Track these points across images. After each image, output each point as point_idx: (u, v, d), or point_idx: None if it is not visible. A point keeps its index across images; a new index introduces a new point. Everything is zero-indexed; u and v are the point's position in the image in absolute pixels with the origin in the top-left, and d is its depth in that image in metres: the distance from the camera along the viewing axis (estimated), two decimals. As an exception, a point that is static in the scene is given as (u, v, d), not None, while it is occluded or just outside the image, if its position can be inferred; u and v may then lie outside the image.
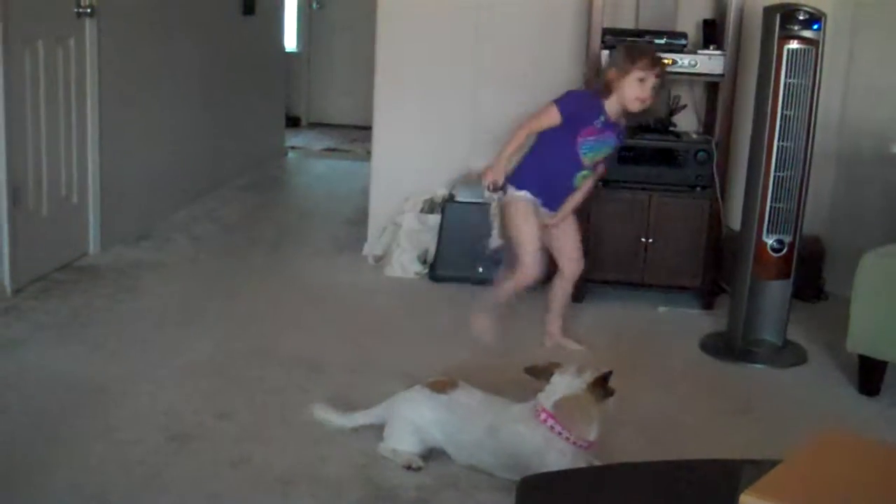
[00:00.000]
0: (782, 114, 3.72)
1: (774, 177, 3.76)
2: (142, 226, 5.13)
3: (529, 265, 3.73)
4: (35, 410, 3.08)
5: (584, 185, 3.79)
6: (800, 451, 1.61)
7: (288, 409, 3.17)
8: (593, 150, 3.68)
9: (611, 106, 3.64)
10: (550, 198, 3.76)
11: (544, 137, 3.70)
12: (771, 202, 3.78)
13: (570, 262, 3.89)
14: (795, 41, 3.68)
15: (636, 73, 3.57)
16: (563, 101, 3.66)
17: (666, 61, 3.85)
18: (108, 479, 2.70)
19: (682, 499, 1.70)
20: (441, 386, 2.97)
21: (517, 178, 3.74)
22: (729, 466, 1.81)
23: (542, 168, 3.73)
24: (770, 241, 3.81)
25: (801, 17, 3.67)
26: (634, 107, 3.62)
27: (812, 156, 3.78)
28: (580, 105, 3.67)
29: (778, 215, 3.79)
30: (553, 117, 3.63)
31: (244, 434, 3.00)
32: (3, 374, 3.35)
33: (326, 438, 2.97)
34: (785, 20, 3.68)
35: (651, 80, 3.59)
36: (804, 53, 3.67)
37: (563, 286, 3.93)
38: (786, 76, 3.69)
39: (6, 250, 4.00)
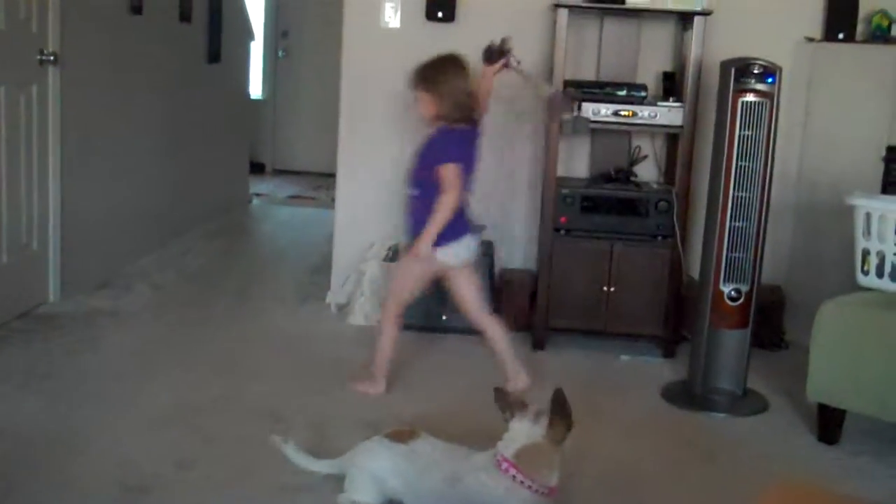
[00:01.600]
0: (737, 165, 3.78)
1: (730, 227, 3.82)
2: (103, 273, 5.09)
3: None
4: (-10, 462, 3.04)
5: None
6: (760, 501, 1.62)
7: (250, 460, 3.14)
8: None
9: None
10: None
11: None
12: (727, 252, 3.83)
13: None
14: (750, 94, 3.75)
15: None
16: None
17: (625, 113, 3.89)
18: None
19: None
20: (401, 436, 2.95)
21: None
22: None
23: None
24: (727, 290, 3.85)
25: (755, 71, 3.75)
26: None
27: (768, 206, 3.84)
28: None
29: (734, 265, 3.83)
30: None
31: (205, 484, 2.97)
32: (-42, 425, 3.30)
33: (288, 489, 2.95)
34: (739, 74, 3.76)
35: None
36: (758, 106, 3.75)
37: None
38: (740, 128, 3.76)
39: (-37, 298, 3.97)
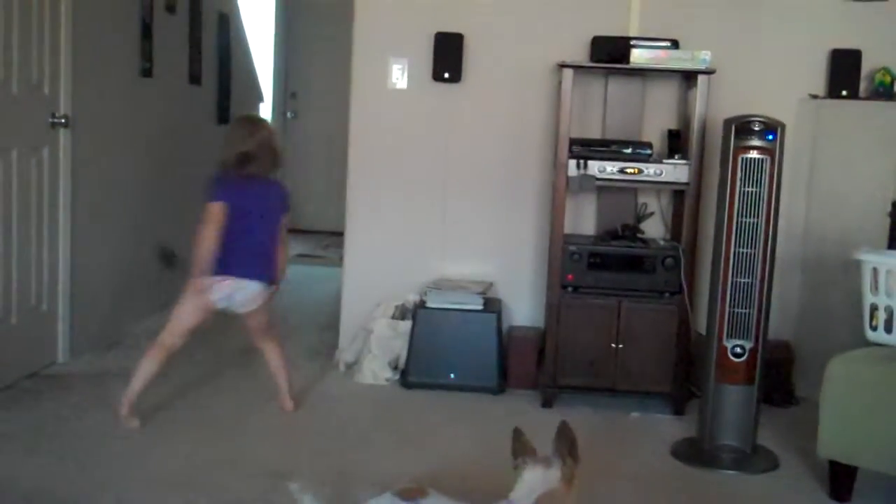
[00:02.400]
0: (739, 221, 3.80)
1: (733, 283, 3.82)
2: (112, 334, 5.11)
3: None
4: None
5: None
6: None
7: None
8: None
9: None
10: None
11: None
12: (730, 307, 3.83)
13: None
14: (751, 151, 3.78)
15: None
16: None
17: (631, 170, 3.92)
18: None
19: None
20: (410, 493, 2.93)
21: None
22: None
23: None
24: (731, 346, 3.84)
25: (755, 128, 3.78)
26: None
27: (773, 262, 3.83)
28: None
29: (738, 321, 3.83)
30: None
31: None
32: (-34, 486, 3.29)
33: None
34: (740, 131, 3.79)
35: None
36: (759, 163, 3.77)
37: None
38: (742, 185, 3.78)
39: (-28, 359, 3.98)
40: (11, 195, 4.20)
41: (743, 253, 3.80)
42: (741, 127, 3.79)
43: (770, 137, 3.77)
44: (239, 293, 3.96)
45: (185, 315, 3.98)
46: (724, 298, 3.84)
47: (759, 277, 3.80)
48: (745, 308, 3.81)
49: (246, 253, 3.93)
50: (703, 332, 4.28)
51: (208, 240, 3.87)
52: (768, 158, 3.77)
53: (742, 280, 3.81)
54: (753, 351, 3.83)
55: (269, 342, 4.21)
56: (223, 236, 3.88)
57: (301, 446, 3.82)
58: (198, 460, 3.61)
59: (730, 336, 3.84)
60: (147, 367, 3.93)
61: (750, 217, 3.78)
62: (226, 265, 3.89)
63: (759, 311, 3.81)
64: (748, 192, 3.78)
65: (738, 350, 3.83)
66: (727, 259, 3.82)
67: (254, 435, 3.93)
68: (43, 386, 4.31)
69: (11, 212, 4.21)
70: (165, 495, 3.30)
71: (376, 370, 4.64)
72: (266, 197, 4.03)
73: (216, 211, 3.90)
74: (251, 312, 4.06)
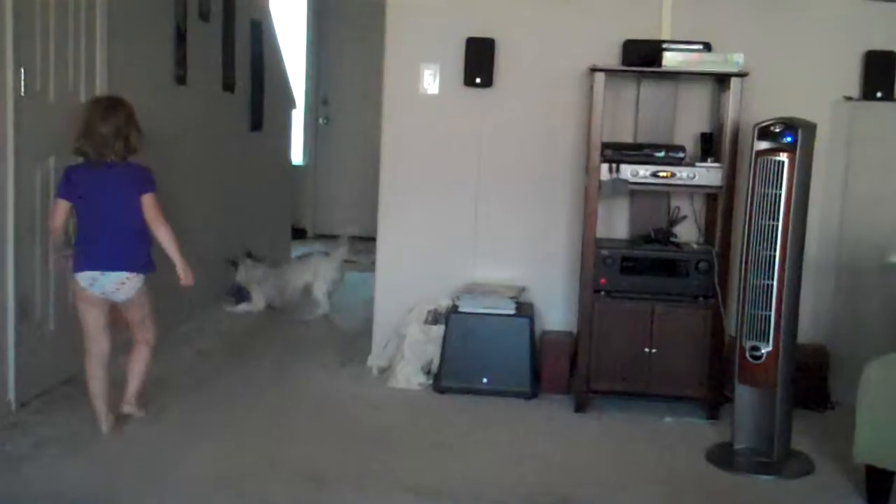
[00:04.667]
0: (757, 223, 3.80)
1: (751, 284, 3.81)
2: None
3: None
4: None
5: None
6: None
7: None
8: None
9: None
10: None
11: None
12: (749, 309, 3.83)
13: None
14: (769, 153, 3.78)
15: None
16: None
17: (664, 174, 3.91)
18: None
19: None
20: None
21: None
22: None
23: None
24: (748, 347, 3.83)
25: (775, 130, 3.78)
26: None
27: (796, 264, 3.80)
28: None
29: (755, 322, 3.81)
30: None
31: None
32: (8, 490, 3.33)
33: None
34: (761, 134, 3.81)
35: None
36: (776, 164, 3.76)
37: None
38: (760, 186, 3.79)
39: (12, 364, 4.03)
40: (49, 201, 4.24)
41: (762, 255, 3.79)
42: (762, 130, 3.81)
43: (789, 139, 3.76)
44: (104, 282, 3.85)
45: (83, 314, 3.93)
46: (745, 299, 3.84)
47: (777, 279, 3.77)
48: (764, 310, 3.79)
49: (103, 244, 3.85)
50: (737, 336, 4.28)
51: (51, 235, 3.94)
52: (787, 160, 3.75)
53: (761, 282, 3.79)
54: (772, 354, 3.80)
55: (138, 341, 4.07)
56: (79, 230, 3.88)
57: (335, 450, 3.84)
58: (234, 463, 3.64)
59: (748, 338, 3.83)
60: (92, 375, 3.94)
61: (768, 219, 3.77)
62: (87, 258, 3.84)
63: (779, 313, 3.78)
64: (766, 193, 3.78)
65: (756, 352, 3.81)
66: (746, 260, 3.83)
67: (289, 439, 3.95)
68: (80, 391, 4.34)
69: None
70: (202, 498, 3.32)
71: (409, 375, 4.65)
72: (120, 183, 3.88)
73: (55, 208, 3.87)
74: (127, 304, 3.96)
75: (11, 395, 4.03)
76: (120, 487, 3.38)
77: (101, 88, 4.57)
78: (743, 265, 3.87)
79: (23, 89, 3.99)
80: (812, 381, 4.48)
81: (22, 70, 3.98)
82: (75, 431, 3.88)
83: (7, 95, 3.91)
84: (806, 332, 4.51)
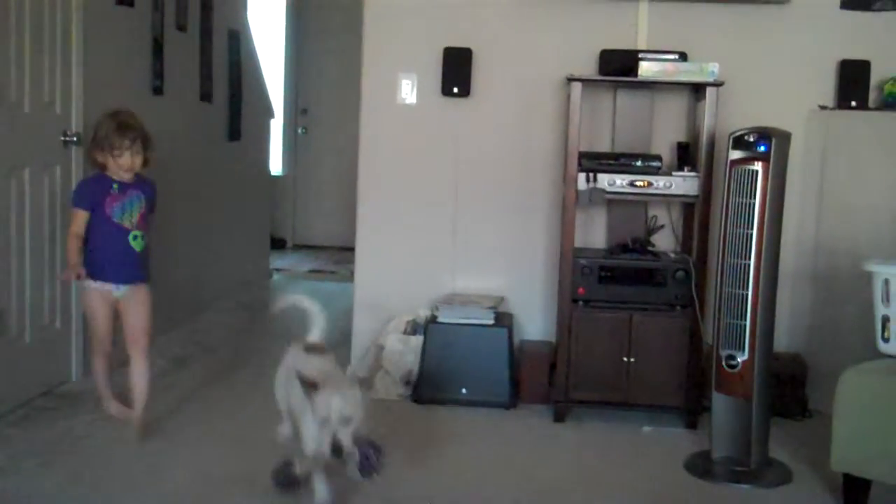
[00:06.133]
0: (732, 231, 3.82)
1: (726, 293, 3.84)
2: (125, 351, 5.10)
3: (99, 345, 4.07)
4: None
5: (144, 244, 4.00)
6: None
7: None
8: (126, 211, 3.93)
9: (116, 174, 3.92)
10: (115, 273, 3.96)
11: (90, 227, 3.92)
12: (724, 318, 3.85)
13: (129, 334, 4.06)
14: (743, 162, 3.81)
15: (110, 155, 3.89)
16: (77, 195, 4.01)
17: (641, 183, 3.97)
18: None
19: None
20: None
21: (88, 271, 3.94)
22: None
23: (94, 253, 3.93)
24: (724, 356, 3.85)
25: (749, 139, 3.81)
26: (126, 177, 3.94)
27: (770, 274, 3.81)
28: (90, 187, 3.98)
29: (731, 331, 3.83)
30: (80, 215, 3.91)
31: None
32: (-19, 504, 3.31)
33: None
34: (735, 143, 3.84)
35: (125, 154, 3.88)
36: (750, 174, 3.78)
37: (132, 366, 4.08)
38: (736, 195, 3.82)
39: (-13, 377, 4.00)
40: (25, 213, 4.23)
41: (737, 264, 3.81)
42: (736, 140, 3.84)
43: (762, 148, 3.78)
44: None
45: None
46: (719, 309, 3.87)
47: (752, 288, 3.79)
48: (739, 319, 3.81)
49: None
50: (715, 344, 4.29)
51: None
52: (761, 169, 3.77)
53: (735, 291, 3.81)
54: (748, 362, 3.82)
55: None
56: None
57: (313, 462, 3.82)
58: (210, 476, 3.62)
59: (724, 347, 3.85)
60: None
61: (742, 228, 3.79)
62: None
63: (754, 322, 3.80)
64: (740, 202, 3.80)
65: (731, 361, 3.83)
66: (721, 270, 3.86)
67: (268, 449, 3.92)
68: (57, 404, 4.33)
69: (25, 229, 4.24)
70: None
71: (388, 386, 4.64)
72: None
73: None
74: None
75: (-14, 409, 4.01)
76: (97, 500, 3.35)
77: (76, 99, 4.56)
78: (718, 274, 3.90)
79: (-3, 100, 3.97)
80: (789, 390, 4.50)
81: (-4, 80, 3.96)
82: (51, 444, 3.85)
83: (-19, 107, 3.89)
84: (783, 341, 4.53)
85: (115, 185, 3.92)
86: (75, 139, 4.53)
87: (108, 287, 3.97)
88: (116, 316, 4.04)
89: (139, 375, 4.04)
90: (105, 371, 4.14)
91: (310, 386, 3.02)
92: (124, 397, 4.12)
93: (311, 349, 3.44)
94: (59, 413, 4.21)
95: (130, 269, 3.98)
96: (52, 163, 4.43)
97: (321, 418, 2.98)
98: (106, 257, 3.94)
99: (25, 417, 4.14)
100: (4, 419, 4.08)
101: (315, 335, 3.66)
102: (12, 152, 4.12)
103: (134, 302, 4.01)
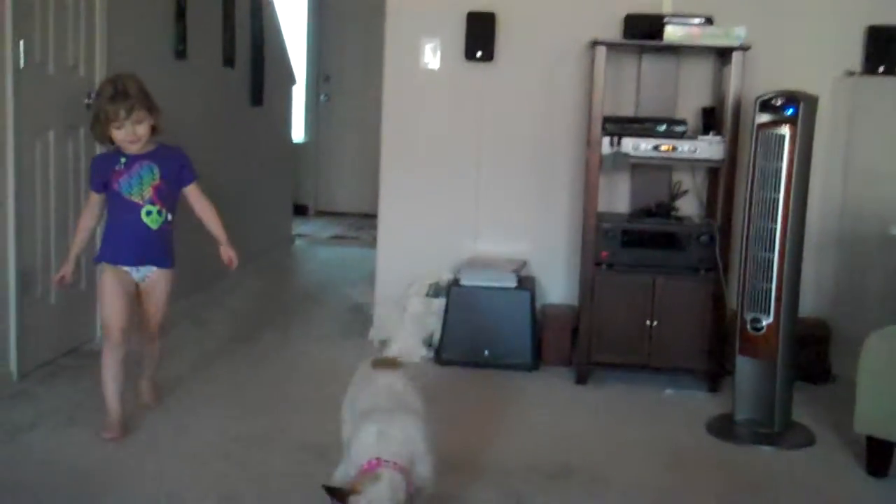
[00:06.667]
0: (759, 195, 3.80)
1: (752, 256, 3.82)
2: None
3: (110, 334, 3.59)
4: (38, 495, 3.07)
5: (161, 221, 3.64)
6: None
7: (293, 495, 3.15)
8: (135, 185, 3.58)
9: (124, 147, 3.58)
10: (127, 252, 3.63)
11: (107, 208, 3.67)
12: (749, 281, 3.83)
13: (144, 322, 3.77)
14: (770, 126, 3.77)
15: (111, 128, 3.54)
16: (90, 178, 3.70)
17: (665, 147, 3.91)
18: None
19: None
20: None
21: (99, 255, 3.70)
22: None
23: (107, 234, 3.68)
24: (749, 319, 3.84)
25: (777, 103, 3.77)
26: (133, 149, 3.58)
27: (797, 238, 3.80)
28: (97, 166, 3.69)
29: (756, 295, 3.82)
30: (91, 198, 3.68)
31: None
32: (7, 458, 3.35)
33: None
34: (762, 107, 3.81)
35: (125, 125, 3.52)
36: (778, 137, 3.75)
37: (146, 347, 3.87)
38: (763, 159, 3.79)
39: (13, 336, 4.04)
40: (49, 175, 4.25)
41: (762, 227, 3.79)
42: (763, 103, 3.80)
43: (790, 112, 3.75)
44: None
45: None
46: (745, 272, 3.85)
47: (778, 252, 3.77)
48: (765, 282, 3.80)
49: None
50: (738, 309, 4.28)
51: None
52: (788, 133, 3.74)
53: (761, 254, 3.80)
54: (772, 325, 3.81)
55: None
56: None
57: (336, 422, 3.83)
58: (234, 434, 3.65)
59: (749, 310, 3.83)
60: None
61: (769, 192, 3.77)
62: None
63: (780, 285, 3.79)
64: (767, 166, 3.77)
65: (755, 324, 3.82)
66: (747, 233, 3.84)
67: (290, 410, 3.96)
68: (81, 362, 4.36)
69: (49, 191, 4.26)
70: (203, 467, 3.33)
71: (411, 347, 4.65)
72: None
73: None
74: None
75: (13, 366, 4.05)
76: (120, 457, 3.38)
77: (100, 62, 4.56)
78: (744, 238, 3.88)
79: (22, 61, 3.98)
80: (813, 355, 4.50)
81: (21, 42, 3.96)
82: (77, 402, 3.89)
83: (6, 68, 3.90)
84: (807, 306, 4.51)
85: (122, 159, 3.58)
86: (99, 101, 4.54)
87: (124, 269, 3.62)
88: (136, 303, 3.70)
89: (149, 355, 3.87)
90: (113, 372, 3.57)
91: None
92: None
93: (381, 364, 3.09)
94: (84, 371, 4.23)
95: (145, 248, 3.62)
96: (76, 125, 4.44)
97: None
98: (119, 236, 3.62)
99: (52, 375, 4.19)
100: (31, 377, 4.13)
101: (393, 350, 3.57)
102: (37, 114, 4.13)
103: (153, 288, 3.69)
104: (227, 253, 3.88)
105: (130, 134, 3.53)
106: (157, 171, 3.61)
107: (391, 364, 3.08)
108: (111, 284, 3.58)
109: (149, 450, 3.47)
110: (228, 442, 3.57)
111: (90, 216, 3.69)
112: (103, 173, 3.61)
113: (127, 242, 3.61)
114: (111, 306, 3.58)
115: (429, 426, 2.73)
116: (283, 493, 3.17)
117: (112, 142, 3.59)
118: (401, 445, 2.57)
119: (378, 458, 2.52)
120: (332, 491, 2.46)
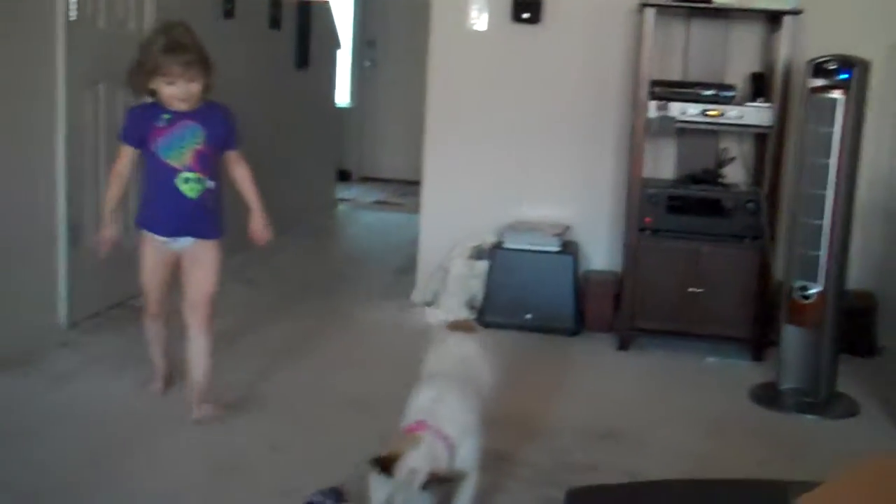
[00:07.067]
0: (810, 161, 3.75)
1: (801, 223, 3.78)
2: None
3: (147, 304, 3.40)
4: (84, 441, 3.13)
5: (200, 189, 3.25)
6: (851, 468, 1.60)
7: (339, 444, 3.18)
8: (174, 148, 3.20)
9: (170, 103, 3.19)
10: (160, 222, 3.31)
11: (143, 167, 3.29)
12: (799, 249, 3.80)
13: (188, 298, 3.35)
14: (824, 90, 3.72)
15: (158, 81, 3.17)
16: (124, 128, 3.32)
17: (713, 112, 3.84)
18: (156, 507, 2.74)
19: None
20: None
21: (137, 217, 3.39)
22: (777, 484, 1.79)
23: (144, 197, 3.37)
24: (798, 287, 3.81)
25: (830, 67, 3.72)
26: (181, 107, 3.19)
27: (848, 206, 3.76)
28: (135, 118, 3.28)
29: (806, 262, 3.78)
30: (123, 151, 3.27)
31: (296, 466, 3.01)
32: (55, 404, 3.41)
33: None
34: (815, 71, 3.75)
35: (178, 81, 3.15)
36: (831, 102, 3.70)
37: (190, 339, 3.35)
38: (814, 124, 3.73)
39: (64, 286, 4.10)
40: (99, 128, 4.29)
41: (813, 194, 3.74)
42: (817, 67, 3.74)
43: (845, 76, 3.69)
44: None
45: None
46: (794, 239, 3.81)
47: (829, 219, 3.73)
48: (814, 250, 3.76)
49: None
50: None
51: None
52: (842, 98, 3.68)
53: (811, 221, 3.75)
54: (822, 294, 3.77)
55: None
56: None
57: (380, 377, 3.87)
58: (280, 386, 3.69)
59: (798, 278, 3.80)
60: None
61: (821, 157, 3.72)
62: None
63: (830, 253, 3.75)
64: (819, 131, 3.72)
65: (805, 292, 3.78)
66: (798, 200, 3.79)
67: (334, 365, 4.00)
68: (128, 315, 4.41)
69: (99, 145, 4.30)
70: (248, 417, 3.37)
71: (453, 308, 4.66)
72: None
73: None
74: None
75: (63, 317, 4.11)
76: (167, 405, 3.43)
77: (149, 16, 4.59)
78: (794, 205, 3.83)
79: (73, 14, 4.00)
80: (859, 327, 4.44)
81: (73, -5, 4.00)
82: (125, 352, 3.94)
83: (58, 21, 3.93)
84: (854, 278, 4.45)
85: (165, 115, 3.19)
86: (149, 57, 4.57)
87: (160, 239, 3.31)
88: (177, 273, 3.38)
89: (196, 352, 3.34)
90: (156, 338, 3.48)
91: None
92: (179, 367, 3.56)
93: (456, 326, 3.07)
94: (129, 324, 4.27)
95: (182, 219, 3.26)
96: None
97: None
98: (155, 203, 3.29)
99: (98, 326, 4.25)
100: (79, 327, 4.20)
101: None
102: (87, 67, 4.16)
103: (195, 261, 3.32)
104: (259, 224, 3.48)
105: (183, 92, 3.16)
106: (201, 133, 3.23)
107: (467, 327, 3.07)
108: (149, 254, 3.34)
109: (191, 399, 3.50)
110: (274, 394, 3.61)
111: (123, 173, 3.30)
112: (142, 127, 3.22)
113: (164, 211, 3.27)
114: (147, 277, 3.36)
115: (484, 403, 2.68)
116: (328, 441, 3.20)
117: (151, 94, 3.22)
118: (453, 414, 2.51)
119: (423, 421, 2.47)
120: (378, 461, 2.38)
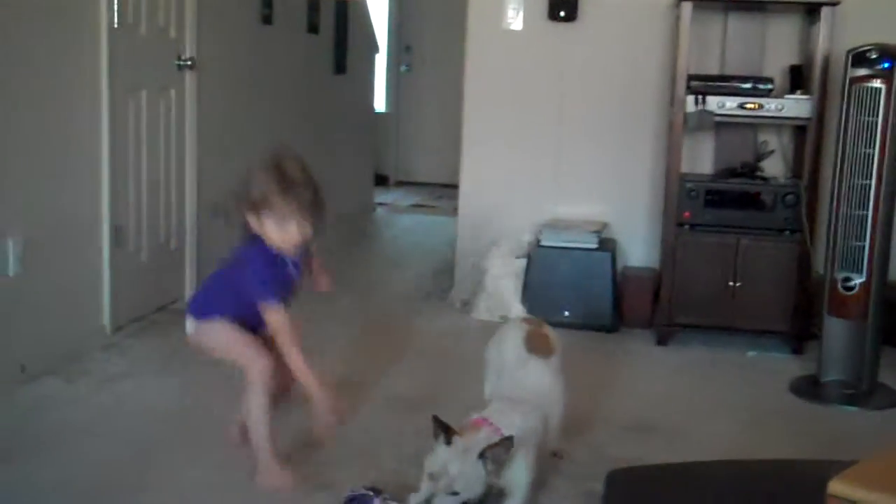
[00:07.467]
0: (853, 151, 3.72)
1: (843, 214, 3.76)
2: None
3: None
4: (130, 438, 3.18)
5: None
6: (889, 449, 1.60)
7: (377, 441, 3.22)
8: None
9: (285, 246, 2.84)
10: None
11: (239, 281, 2.90)
12: (840, 240, 3.77)
13: None
14: (865, 79, 3.70)
15: (275, 224, 2.79)
16: (266, 286, 2.85)
17: (751, 105, 3.81)
18: (201, 502, 2.77)
19: (771, 488, 1.68)
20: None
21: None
22: (816, 463, 1.80)
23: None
24: (841, 278, 3.78)
25: (871, 56, 3.69)
26: (291, 252, 2.86)
27: (889, 195, 3.73)
28: (269, 273, 2.86)
29: (849, 253, 3.76)
30: (281, 311, 2.90)
31: (334, 461, 3.04)
32: (101, 404, 3.47)
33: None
34: (856, 60, 3.73)
35: (292, 225, 2.78)
36: (873, 91, 3.68)
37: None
38: (856, 113, 3.71)
39: (107, 290, 4.15)
40: (141, 133, 4.35)
41: (856, 184, 3.72)
42: (857, 56, 3.73)
43: (886, 65, 3.67)
44: None
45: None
46: (837, 230, 3.79)
47: (872, 209, 3.71)
48: (858, 241, 3.74)
49: None
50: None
51: None
52: (884, 87, 3.66)
53: (854, 212, 3.73)
54: (865, 285, 3.75)
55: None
56: None
57: (421, 375, 3.90)
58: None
59: (841, 269, 3.77)
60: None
61: (864, 147, 3.70)
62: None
63: (873, 244, 3.73)
64: (863, 121, 3.69)
65: (847, 283, 3.76)
66: (839, 190, 3.77)
67: (376, 364, 4.02)
68: (172, 318, 4.46)
69: (141, 150, 4.36)
70: (287, 414, 3.40)
71: (491, 307, 4.68)
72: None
73: None
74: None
75: (107, 320, 4.17)
76: (208, 405, 3.48)
77: (190, 25, 4.66)
78: (835, 196, 3.80)
79: (116, 21, 4.08)
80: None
81: (115, 3, 4.06)
82: (169, 354, 3.99)
83: (101, 27, 4.00)
84: (894, 269, 4.42)
85: (287, 261, 2.86)
86: (189, 63, 4.64)
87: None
88: None
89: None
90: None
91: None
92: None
93: (530, 329, 3.22)
94: (173, 327, 4.33)
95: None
96: (167, 86, 4.54)
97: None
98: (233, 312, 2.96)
99: (143, 329, 4.31)
100: (124, 330, 4.25)
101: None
102: (129, 74, 4.23)
103: None
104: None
105: (296, 236, 2.80)
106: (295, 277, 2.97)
107: (543, 340, 3.17)
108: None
109: (237, 398, 3.54)
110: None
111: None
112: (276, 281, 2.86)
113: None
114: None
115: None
116: (366, 440, 3.23)
117: (247, 228, 2.83)
118: (512, 425, 2.63)
119: (487, 419, 2.65)
120: (441, 423, 2.57)
